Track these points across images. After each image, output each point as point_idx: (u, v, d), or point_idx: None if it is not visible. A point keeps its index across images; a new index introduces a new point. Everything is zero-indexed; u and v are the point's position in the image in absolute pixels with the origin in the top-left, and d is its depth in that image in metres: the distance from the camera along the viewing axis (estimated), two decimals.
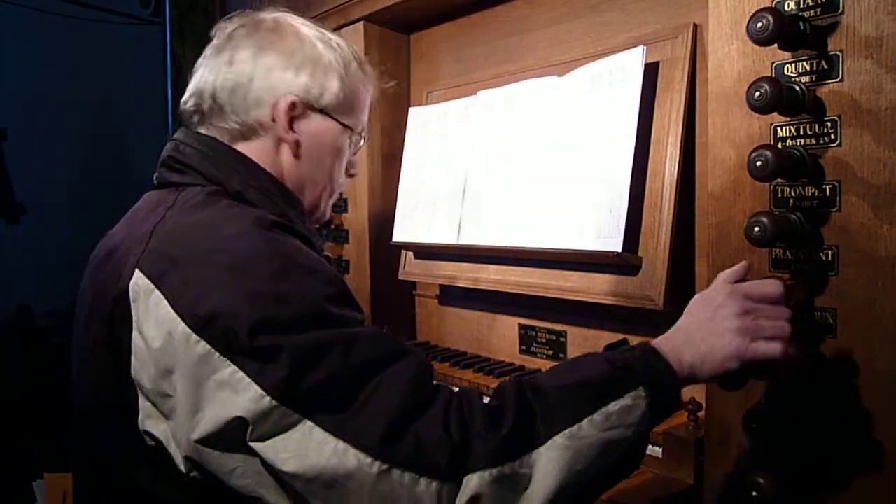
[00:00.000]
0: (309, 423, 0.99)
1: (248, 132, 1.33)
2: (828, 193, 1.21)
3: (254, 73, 1.31)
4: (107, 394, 1.17)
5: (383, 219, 2.52)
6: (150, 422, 1.11)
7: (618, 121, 1.66)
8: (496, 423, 1.01)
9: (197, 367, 1.02)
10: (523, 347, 2.17)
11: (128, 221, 1.32)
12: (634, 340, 1.78)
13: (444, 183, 2.26)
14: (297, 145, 1.35)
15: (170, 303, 1.07)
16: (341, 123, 1.40)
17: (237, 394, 1.00)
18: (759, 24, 1.13)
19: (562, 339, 2.04)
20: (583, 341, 1.98)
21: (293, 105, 1.32)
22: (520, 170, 1.97)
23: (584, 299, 1.79)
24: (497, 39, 2.26)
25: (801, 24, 1.19)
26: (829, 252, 1.21)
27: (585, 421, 1.02)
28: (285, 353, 1.00)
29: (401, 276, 2.45)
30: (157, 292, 1.09)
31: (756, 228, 1.16)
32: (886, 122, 1.14)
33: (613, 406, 1.03)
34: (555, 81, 1.91)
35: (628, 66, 1.65)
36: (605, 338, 1.92)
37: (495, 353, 2.27)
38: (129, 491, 1.17)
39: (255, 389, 0.99)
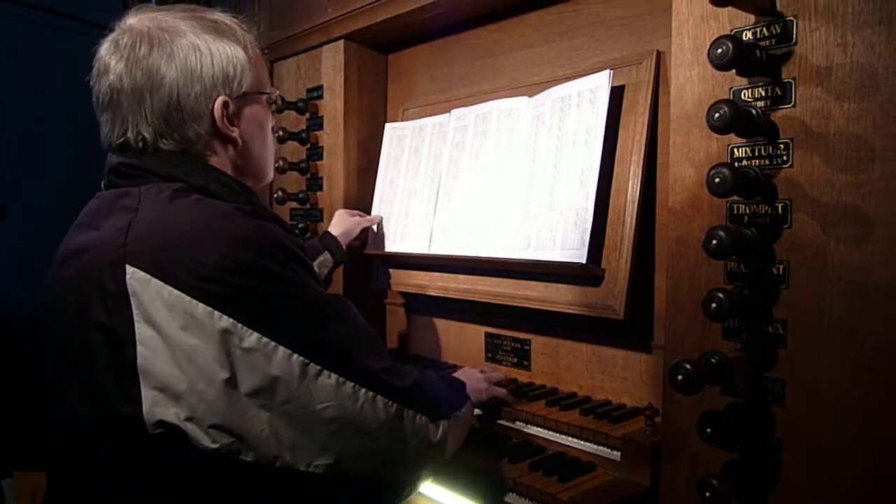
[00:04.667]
0: (335, 375, 1.22)
1: (191, 144, 1.37)
2: (780, 211, 1.29)
3: (176, 90, 1.33)
4: (104, 392, 1.17)
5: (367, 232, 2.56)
6: (159, 409, 1.14)
7: (585, 140, 1.74)
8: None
9: (224, 338, 1.13)
10: (489, 355, 2.22)
11: (86, 223, 1.33)
12: (594, 349, 1.88)
13: (416, 195, 2.31)
14: (240, 138, 1.43)
15: (175, 287, 1.14)
16: (261, 94, 1.48)
17: (267, 357, 1.15)
18: (720, 50, 1.21)
19: (526, 348, 2.09)
20: (546, 349, 2.05)
21: (226, 104, 1.38)
22: (490, 184, 2.04)
23: (549, 308, 1.85)
24: (472, 61, 2.33)
25: (757, 52, 1.28)
26: (781, 266, 1.29)
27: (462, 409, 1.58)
28: (300, 317, 1.21)
29: (373, 285, 2.49)
30: (155, 281, 1.15)
31: (713, 241, 1.23)
32: (835, 145, 1.23)
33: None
34: (525, 102, 1.99)
35: (596, 88, 1.73)
36: (568, 347, 1.99)
37: (463, 360, 2.32)
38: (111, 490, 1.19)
39: (283, 350, 1.16)
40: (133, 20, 1.38)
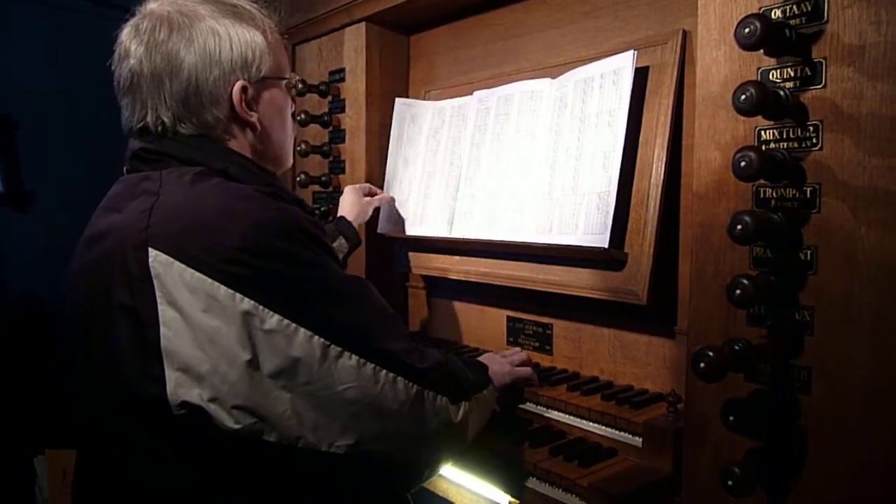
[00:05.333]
0: (356, 357, 1.22)
1: (210, 129, 1.38)
2: (808, 195, 1.26)
3: (195, 74, 1.34)
4: (128, 372, 1.19)
5: (378, 211, 2.55)
6: (183, 390, 1.15)
7: (608, 122, 1.71)
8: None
9: (246, 320, 1.14)
10: (511, 339, 2.21)
11: (110, 207, 1.35)
12: (616, 333, 1.86)
13: (436, 177, 2.30)
14: (260, 123, 1.43)
15: (198, 270, 1.15)
16: (281, 79, 1.48)
17: (288, 338, 1.16)
18: (747, 30, 1.18)
19: (548, 332, 2.08)
20: (568, 333, 2.03)
21: (245, 88, 1.38)
22: (512, 167, 2.02)
23: (570, 293, 1.83)
24: (493, 42, 2.30)
25: (786, 31, 1.24)
26: (809, 252, 1.26)
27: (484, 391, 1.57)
28: (321, 299, 1.22)
29: (396, 268, 2.49)
30: (177, 264, 1.16)
31: (739, 226, 1.21)
32: (866, 127, 1.19)
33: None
34: (548, 83, 1.96)
35: (619, 69, 1.70)
36: (590, 331, 1.97)
37: (484, 343, 2.32)
38: (138, 471, 1.22)
39: (304, 332, 1.17)
40: (153, 5, 1.39)
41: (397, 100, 2.49)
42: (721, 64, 1.38)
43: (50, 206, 4.18)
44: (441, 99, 2.39)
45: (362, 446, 1.24)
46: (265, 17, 1.46)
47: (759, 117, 1.28)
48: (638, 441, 1.60)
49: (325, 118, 2.68)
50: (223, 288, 1.14)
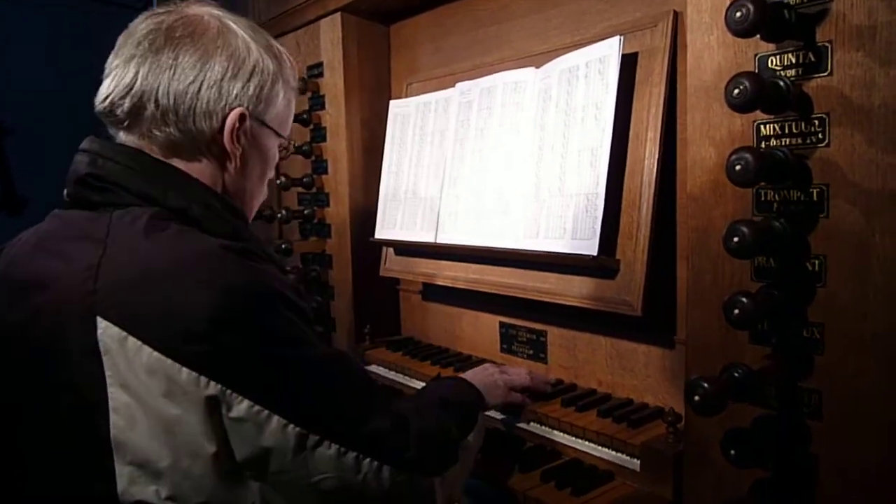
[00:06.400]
0: (335, 446, 1.08)
1: (187, 144, 1.21)
2: (815, 198, 1.12)
3: (202, 82, 1.19)
4: (70, 466, 1.04)
5: (365, 213, 2.44)
6: (137, 488, 1.01)
7: (594, 116, 1.56)
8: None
9: (211, 407, 1.00)
10: (504, 346, 2.09)
11: (47, 248, 1.16)
12: (613, 342, 1.72)
13: (423, 178, 2.17)
14: (241, 159, 1.27)
15: (156, 348, 0.99)
16: (278, 135, 1.34)
17: (259, 427, 1.02)
18: (739, 14, 1.03)
19: (542, 339, 1.95)
20: (563, 342, 1.90)
21: (242, 118, 1.23)
22: (496, 165, 1.88)
23: (561, 302, 1.70)
24: (477, 29, 2.15)
25: (785, 12, 1.09)
26: (816, 262, 1.12)
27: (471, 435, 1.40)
28: (298, 381, 1.07)
29: (382, 273, 2.38)
30: (132, 339, 1.00)
31: (735, 238, 1.06)
32: (879, 120, 1.04)
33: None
34: (532, 74, 1.81)
35: (605, 57, 1.55)
36: (586, 339, 1.84)
37: (478, 350, 2.20)
38: None
39: (278, 419, 1.03)
40: (193, 9, 1.25)
41: (391, 103, 2.36)
42: (714, 50, 1.24)
43: (45, 211, 4.11)
44: (424, 92, 2.25)
45: None
46: (293, 70, 1.35)
47: (758, 111, 1.13)
48: (637, 464, 1.47)
49: (305, 116, 2.54)
50: (185, 370, 0.98)
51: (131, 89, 1.19)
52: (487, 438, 1.53)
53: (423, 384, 2.06)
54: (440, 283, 2.12)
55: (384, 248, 2.36)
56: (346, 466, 1.08)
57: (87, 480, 1.02)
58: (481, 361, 2.12)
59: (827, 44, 1.08)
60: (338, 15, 2.39)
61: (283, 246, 2.54)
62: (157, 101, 1.18)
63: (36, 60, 4.43)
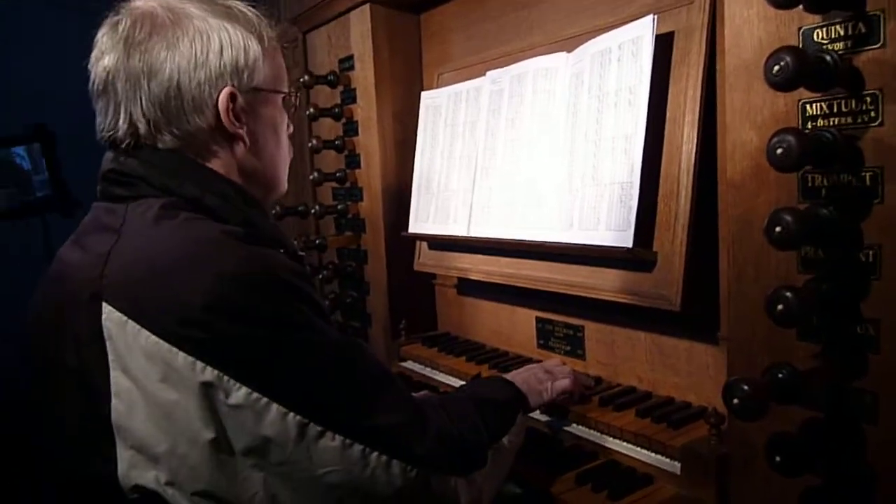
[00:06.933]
0: (340, 437, 1.03)
1: (192, 142, 1.19)
2: (868, 182, 1.02)
3: (177, 76, 1.16)
4: (77, 444, 1.07)
5: (399, 207, 2.40)
6: (136, 472, 1.01)
7: (628, 101, 1.48)
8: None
9: (208, 393, 0.98)
10: (541, 342, 2.02)
11: (77, 240, 1.21)
12: (653, 337, 1.64)
13: (455, 171, 2.12)
14: (249, 136, 1.24)
15: (154, 332, 0.99)
16: (277, 92, 1.30)
17: (258, 415, 0.99)
18: None
19: (579, 335, 1.88)
20: (601, 336, 1.83)
21: (233, 96, 1.20)
22: (528, 156, 1.81)
23: (596, 296, 1.63)
24: (507, 14, 2.08)
25: None
26: (871, 252, 1.03)
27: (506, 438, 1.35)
28: (298, 368, 1.03)
29: (416, 267, 2.34)
30: (132, 324, 1.01)
31: (777, 227, 0.98)
32: None
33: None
34: (563, 59, 1.73)
35: (638, 38, 1.46)
36: (624, 335, 1.76)
37: (514, 346, 2.13)
38: None
39: (277, 408, 1.00)
40: (139, 2, 1.22)
41: (423, 94, 2.31)
42: (754, 25, 1.15)
43: None
44: (455, 82, 2.19)
45: None
46: (264, 23, 1.28)
47: (803, 89, 1.04)
48: (677, 467, 1.39)
49: (337, 111, 2.51)
50: (181, 354, 0.97)
51: (118, 120, 1.18)
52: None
53: (457, 380, 2.02)
54: (474, 277, 2.06)
55: (418, 243, 2.32)
56: (351, 459, 1.04)
57: (89, 464, 1.03)
58: (517, 357, 2.07)
59: (879, 12, 0.98)
60: (367, 6, 2.34)
61: (317, 241, 2.52)
62: (145, 117, 1.17)
63: (71, 65, 4.54)
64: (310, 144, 2.53)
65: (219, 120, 1.19)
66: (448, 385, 2.04)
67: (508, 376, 1.59)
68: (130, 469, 1.01)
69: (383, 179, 2.41)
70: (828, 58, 1.01)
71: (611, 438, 1.54)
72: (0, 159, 5.30)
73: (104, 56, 1.19)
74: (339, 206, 2.58)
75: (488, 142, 1.98)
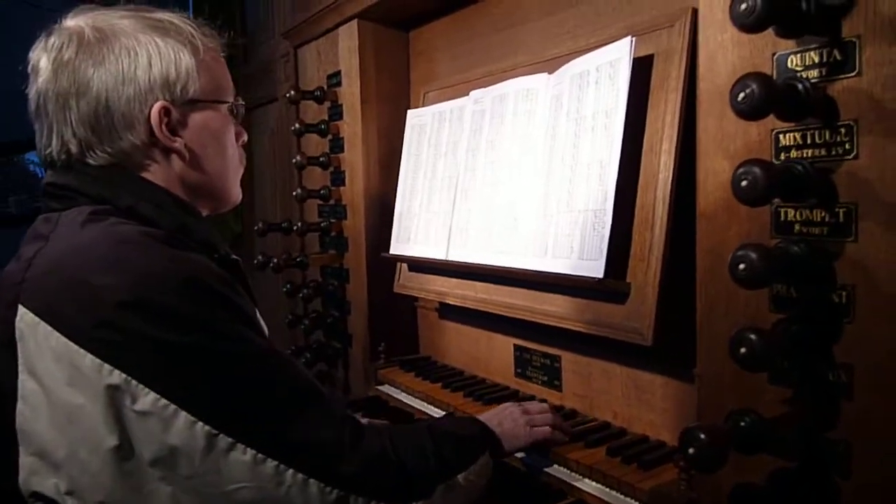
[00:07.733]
0: (251, 451, 0.99)
1: (125, 157, 1.18)
2: (841, 219, 0.96)
3: (105, 94, 1.14)
4: None
5: (381, 227, 2.35)
6: (36, 479, 0.98)
7: (604, 125, 1.42)
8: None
9: (114, 397, 0.95)
10: (519, 370, 1.95)
11: (18, 251, 1.18)
12: (629, 372, 1.56)
13: (437, 192, 2.07)
14: (187, 150, 1.21)
15: (64, 333, 0.97)
16: (217, 102, 1.26)
17: (165, 422, 0.96)
18: (744, 6, 0.89)
19: (556, 365, 1.81)
20: (577, 368, 1.76)
21: (166, 110, 1.17)
22: (507, 178, 1.76)
23: (569, 327, 1.56)
24: (491, 34, 2.04)
25: (803, 3, 0.94)
26: (844, 293, 0.96)
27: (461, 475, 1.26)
28: (211, 376, 0.99)
29: (395, 289, 2.28)
30: (44, 325, 0.98)
31: (741, 266, 0.92)
32: None
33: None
34: (544, 80, 1.68)
35: (615, 61, 1.40)
36: (600, 367, 1.69)
37: (492, 373, 2.07)
38: None
39: (185, 416, 0.96)
40: (70, 21, 1.21)
41: (409, 112, 2.26)
42: (728, 50, 1.10)
43: None
44: (440, 100, 2.15)
45: None
46: (199, 34, 1.25)
47: (776, 118, 0.98)
48: None
49: (323, 127, 2.48)
50: (89, 356, 0.95)
51: (51, 142, 1.18)
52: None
53: (433, 407, 1.96)
54: (450, 301, 2.00)
55: (398, 264, 2.27)
56: (264, 476, 0.99)
57: None
58: (494, 385, 2.00)
59: (854, 39, 0.93)
60: (355, 22, 2.31)
61: (298, 259, 2.47)
62: (76, 137, 1.16)
63: None
64: (294, 160, 2.48)
65: (153, 135, 1.17)
66: (423, 412, 1.98)
67: (483, 417, 1.51)
68: (31, 476, 0.97)
69: (366, 197, 2.37)
70: (799, 86, 0.95)
71: (580, 477, 1.47)
72: (13, 166, 5.32)
73: (37, 78, 1.19)
74: (322, 224, 2.53)
75: (469, 162, 1.93)
